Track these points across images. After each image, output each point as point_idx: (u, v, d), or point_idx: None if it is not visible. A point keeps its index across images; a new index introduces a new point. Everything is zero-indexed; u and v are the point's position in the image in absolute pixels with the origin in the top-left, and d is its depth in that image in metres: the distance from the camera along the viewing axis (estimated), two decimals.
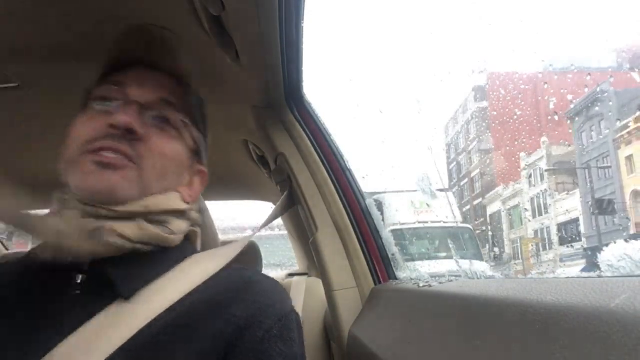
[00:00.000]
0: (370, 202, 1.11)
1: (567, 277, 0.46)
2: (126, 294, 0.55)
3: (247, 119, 1.18)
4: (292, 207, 1.18)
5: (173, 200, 0.63)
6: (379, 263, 1.05)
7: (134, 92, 0.63)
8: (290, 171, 1.12)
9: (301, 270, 2.05)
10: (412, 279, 0.92)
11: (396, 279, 1.02)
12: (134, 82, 0.64)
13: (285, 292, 0.65)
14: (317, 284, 1.76)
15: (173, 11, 0.79)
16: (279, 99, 1.09)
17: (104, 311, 0.53)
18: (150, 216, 0.59)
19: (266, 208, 2.11)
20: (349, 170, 1.11)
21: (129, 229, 0.57)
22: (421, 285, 0.74)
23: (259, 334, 0.56)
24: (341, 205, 1.07)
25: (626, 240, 0.50)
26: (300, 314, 1.67)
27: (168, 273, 0.59)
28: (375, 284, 1.02)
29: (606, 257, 0.49)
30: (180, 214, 0.64)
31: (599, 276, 0.46)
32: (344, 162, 1.12)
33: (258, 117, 1.14)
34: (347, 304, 1.02)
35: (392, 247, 1.08)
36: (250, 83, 1.03)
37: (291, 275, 2.01)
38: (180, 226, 0.64)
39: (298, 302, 1.71)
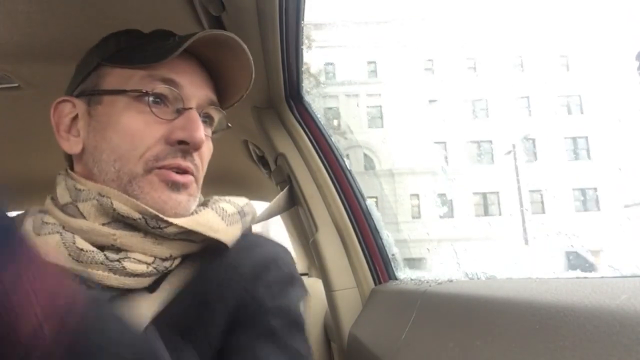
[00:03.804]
0: (370, 202, 1.11)
1: (567, 277, 0.46)
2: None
3: (247, 119, 1.18)
4: (292, 206, 1.18)
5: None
6: (379, 263, 1.05)
7: (189, 94, 0.58)
8: (290, 171, 1.12)
9: (301, 271, 2.05)
10: (412, 279, 0.92)
11: (396, 279, 1.02)
12: (188, 82, 0.58)
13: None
14: (317, 284, 1.76)
15: (173, 11, 0.79)
16: (279, 99, 1.09)
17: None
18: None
19: None
20: (349, 171, 1.11)
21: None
22: (421, 285, 0.74)
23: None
24: (341, 206, 1.07)
25: None
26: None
27: None
28: (375, 284, 1.02)
29: None
30: None
31: (599, 276, 0.46)
32: (344, 162, 1.12)
33: (258, 117, 1.14)
34: (347, 304, 1.02)
35: (392, 247, 1.08)
36: None
37: None
38: None
39: None
